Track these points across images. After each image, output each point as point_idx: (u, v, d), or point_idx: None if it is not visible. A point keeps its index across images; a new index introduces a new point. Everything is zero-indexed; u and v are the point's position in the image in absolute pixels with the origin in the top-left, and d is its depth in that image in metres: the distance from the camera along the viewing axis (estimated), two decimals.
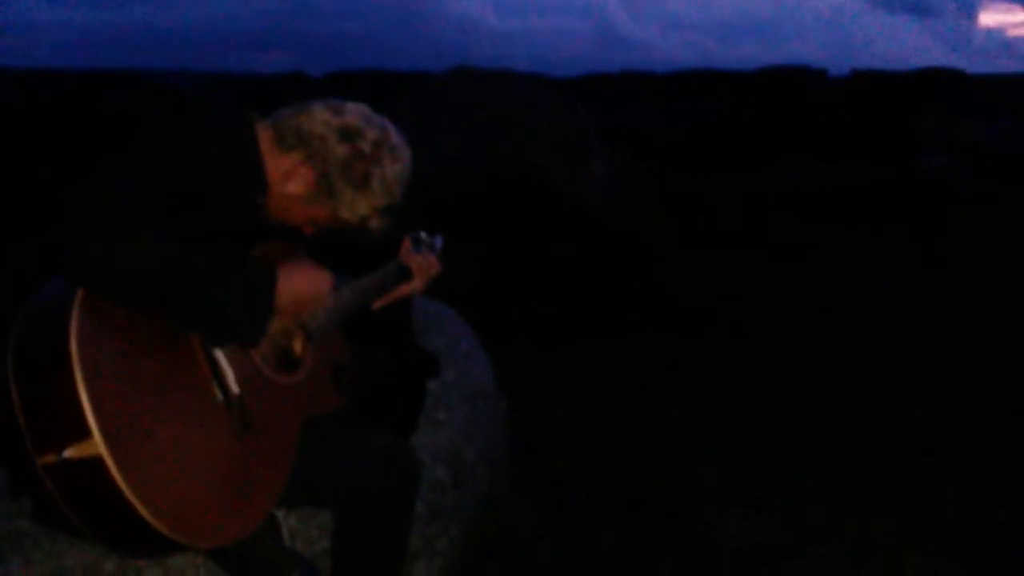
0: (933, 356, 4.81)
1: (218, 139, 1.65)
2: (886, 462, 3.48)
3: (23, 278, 1.56)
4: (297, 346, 1.79)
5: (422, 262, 2.03)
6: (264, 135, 1.73)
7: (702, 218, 8.40)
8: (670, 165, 11.38)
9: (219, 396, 1.60)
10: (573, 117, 8.01)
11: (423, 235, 2.09)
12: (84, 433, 1.39)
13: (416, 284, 2.01)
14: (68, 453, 1.40)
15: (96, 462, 1.39)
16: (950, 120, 22.87)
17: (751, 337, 5.19)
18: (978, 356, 4.80)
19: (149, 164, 1.53)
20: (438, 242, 2.13)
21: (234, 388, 1.62)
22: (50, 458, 1.41)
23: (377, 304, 2.00)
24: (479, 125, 7.11)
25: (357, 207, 1.74)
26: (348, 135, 1.72)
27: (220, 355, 1.62)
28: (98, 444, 1.38)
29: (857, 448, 3.60)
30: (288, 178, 1.72)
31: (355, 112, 1.75)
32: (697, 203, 8.96)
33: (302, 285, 1.67)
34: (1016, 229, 8.63)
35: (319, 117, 1.72)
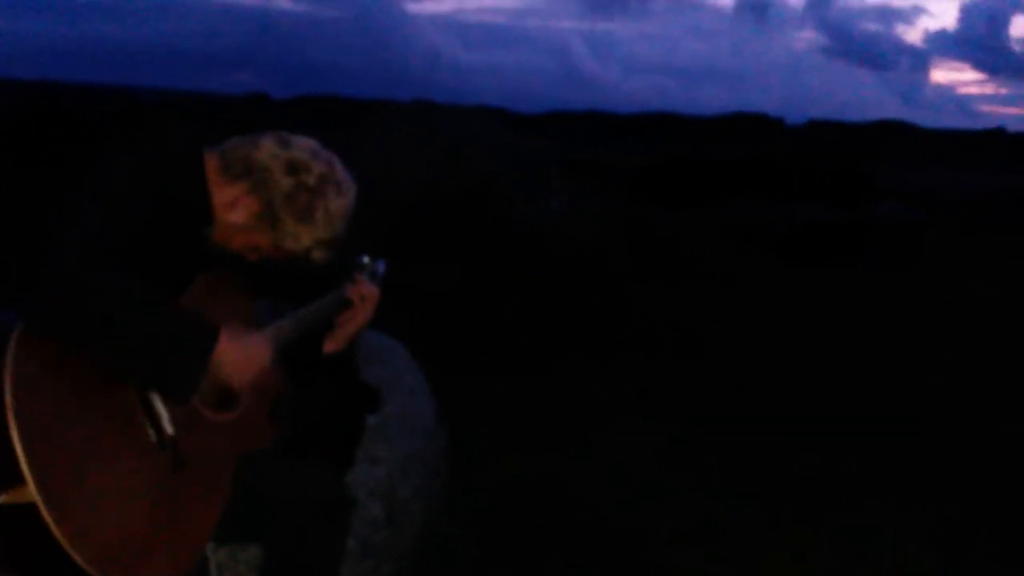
0: (883, 384, 4.96)
1: (173, 173, 1.67)
2: (830, 494, 3.55)
3: None
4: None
5: (362, 291, 1.98)
6: (211, 164, 1.74)
7: (660, 250, 8.53)
8: (630, 200, 11.57)
9: (152, 437, 1.60)
10: (533, 152, 8.08)
11: (365, 259, 2.03)
12: (18, 480, 1.41)
13: (358, 315, 1.97)
14: (3, 499, 1.44)
15: (31, 507, 1.41)
16: (902, 170, 23.66)
17: (706, 363, 5.26)
18: (921, 384, 4.98)
19: (109, 203, 1.57)
20: (380, 267, 2.06)
21: (168, 429, 1.62)
22: None
23: (330, 348, 1.96)
24: (438, 157, 7.13)
25: (300, 238, 1.75)
26: (294, 168, 1.73)
27: (156, 397, 1.62)
28: (32, 491, 1.40)
29: (806, 480, 3.68)
30: (232, 207, 1.73)
31: (303, 146, 1.77)
32: (655, 236, 9.10)
33: (240, 355, 1.67)
34: (963, 265, 9.22)
35: (267, 149, 1.74)
